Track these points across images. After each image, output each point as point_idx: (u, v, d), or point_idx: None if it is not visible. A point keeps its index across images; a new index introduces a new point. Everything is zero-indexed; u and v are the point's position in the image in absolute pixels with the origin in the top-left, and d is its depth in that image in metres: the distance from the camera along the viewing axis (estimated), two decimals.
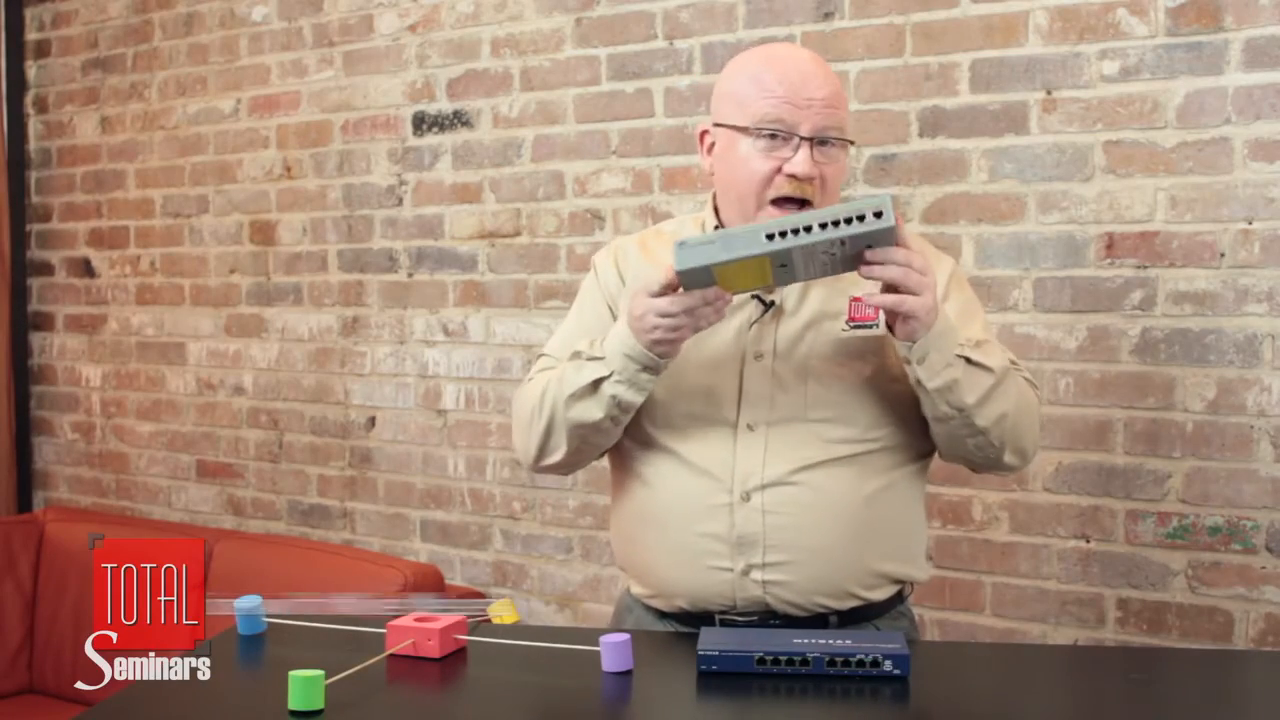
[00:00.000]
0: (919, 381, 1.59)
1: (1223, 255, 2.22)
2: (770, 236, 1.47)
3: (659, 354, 1.59)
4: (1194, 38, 2.23)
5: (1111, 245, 2.31)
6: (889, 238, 1.48)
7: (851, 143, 1.71)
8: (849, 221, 1.46)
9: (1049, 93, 2.36)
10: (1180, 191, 2.25)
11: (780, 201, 1.65)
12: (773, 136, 1.64)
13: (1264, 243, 2.19)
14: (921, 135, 2.49)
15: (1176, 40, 2.24)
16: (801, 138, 1.63)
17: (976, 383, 1.60)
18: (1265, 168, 2.18)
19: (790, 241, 1.46)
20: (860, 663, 1.39)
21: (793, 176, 1.63)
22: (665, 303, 1.55)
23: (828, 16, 2.58)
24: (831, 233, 1.46)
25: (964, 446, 1.66)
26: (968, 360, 1.59)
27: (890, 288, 1.53)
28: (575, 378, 1.65)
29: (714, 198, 1.78)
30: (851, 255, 1.51)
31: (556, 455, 1.71)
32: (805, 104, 1.63)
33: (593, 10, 2.89)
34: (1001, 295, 2.41)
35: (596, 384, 1.63)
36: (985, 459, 1.68)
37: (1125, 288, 2.30)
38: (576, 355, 1.67)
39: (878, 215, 1.46)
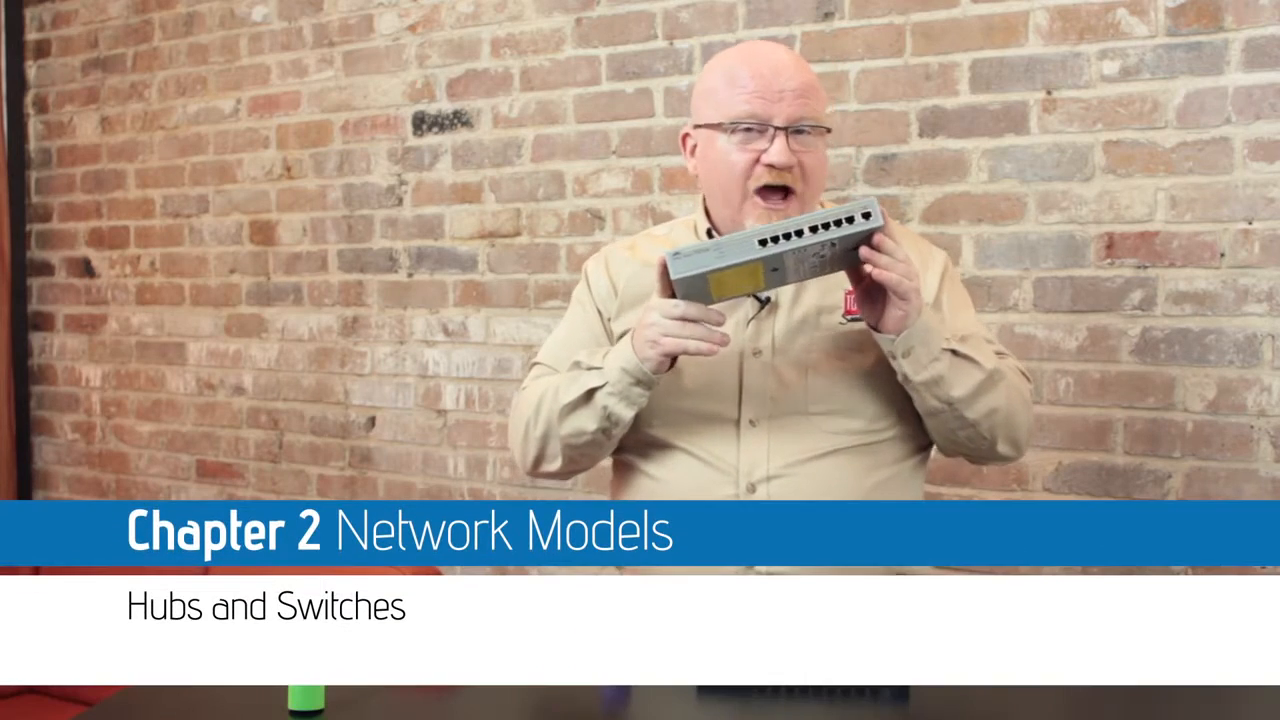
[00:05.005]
0: (905, 376, 1.62)
1: (1223, 255, 2.22)
2: (763, 242, 1.51)
3: (648, 361, 1.61)
4: (1194, 38, 2.23)
5: (1111, 245, 2.31)
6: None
7: (828, 130, 1.73)
8: (839, 224, 1.51)
9: (1049, 93, 2.36)
10: (1180, 191, 2.25)
11: (764, 191, 1.67)
12: (748, 130, 1.67)
13: (1264, 243, 2.19)
14: (921, 135, 2.49)
15: (1176, 40, 2.24)
16: (776, 128, 1.66)
17: (963, 376, 1.62)
18: (1265, 168, 2.18)
19: (783, 246, 1.50)
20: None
21: (771, 166, 1.66)
22: (669, 305, 1.57)
23: (828, 16, 2.58)
24: (823, 235, 1.51)
25: (956, 438, 1.69)
26: (954, 353, 1.62)
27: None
28: (570, 389, 1.67)
29: (704, 200, 1.80)
30: (840, 255, 1.55)
31: (553, 464, 1.74)
32: (777, 96, 1.67)
33: (593, 10, 2.89)
34: (1001, 295, 2.41)
35: (590, 394, 1.65)
36: (978, 450, 1.71)
37: (1125, 288, 2.30)
38: (576, 365, 1.69)
39: (866, 216, 1.51)
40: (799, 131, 1.67)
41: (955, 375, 1.62)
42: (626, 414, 1.65)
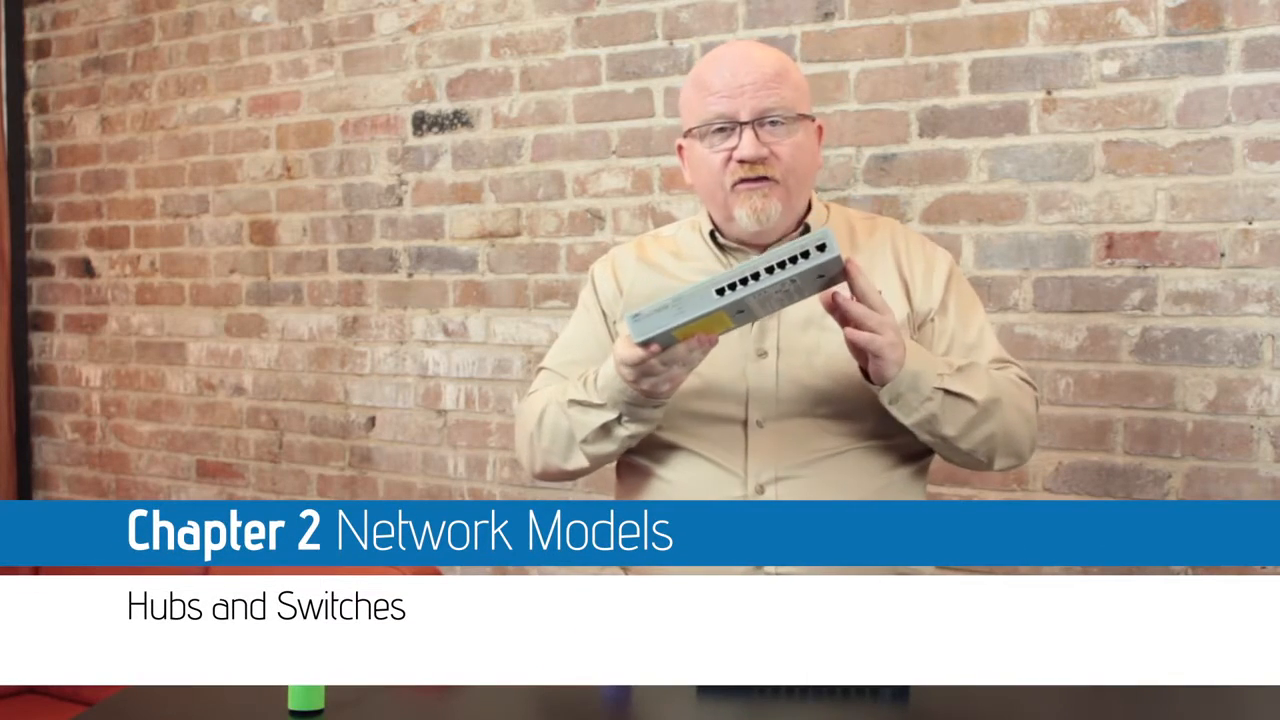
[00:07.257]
0: (898, 418, 1.63)
1: (1223, 255, 2.22)
2: (720, 291, 1.49)
3: (661, 396, 1.62)
4: (1194, 38, 2.23)
5: (1111, 245, 2.31)
6: (836, 267, 1.51)
7: (809, 117, 1.72)
8: (794, 260, 1.48)
9: (1049, 93, 2.36)
10: (1180, 191, 2.25)
11: (742, 184, 1.68)
12: (720, 130, 1.69)
13: (1264, 243, 2.19)
14: (921, 135, 2.49)
15: (1176, 40, 2.24)
16: (742, 123, 1.67)
17: (956, 414, 1.63)
18: (1265, 168, 2.18)
19: (741, 292, 1.49)
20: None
21: (742, 161, 1.67)
22: (651, 362, 1.55)
23: (828, 16, 2.58)
24: (779, 275, 1.48)
25: (953, 460, 1.72)
26: (946, 392, 1.61)
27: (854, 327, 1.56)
28: (584, 419, 1.67)
29: None
30: (805, 287, 1.54)
31: (563, 469, 1.74)
32: (739, 91, 1.68)
33: (593, 10, 2.89)
34: (1001, 295, 2.41)
35: (606, 428, 1.66)
36: (976, 467, 1.74)
37: (1125, 288, 2.30)
38: (576, 403, 1.68)
39: (821, 249, 1.48)
40: (772, 123, 1.68)
41: (947, 414, 1.62)
42: (650, 429, 1.68)
